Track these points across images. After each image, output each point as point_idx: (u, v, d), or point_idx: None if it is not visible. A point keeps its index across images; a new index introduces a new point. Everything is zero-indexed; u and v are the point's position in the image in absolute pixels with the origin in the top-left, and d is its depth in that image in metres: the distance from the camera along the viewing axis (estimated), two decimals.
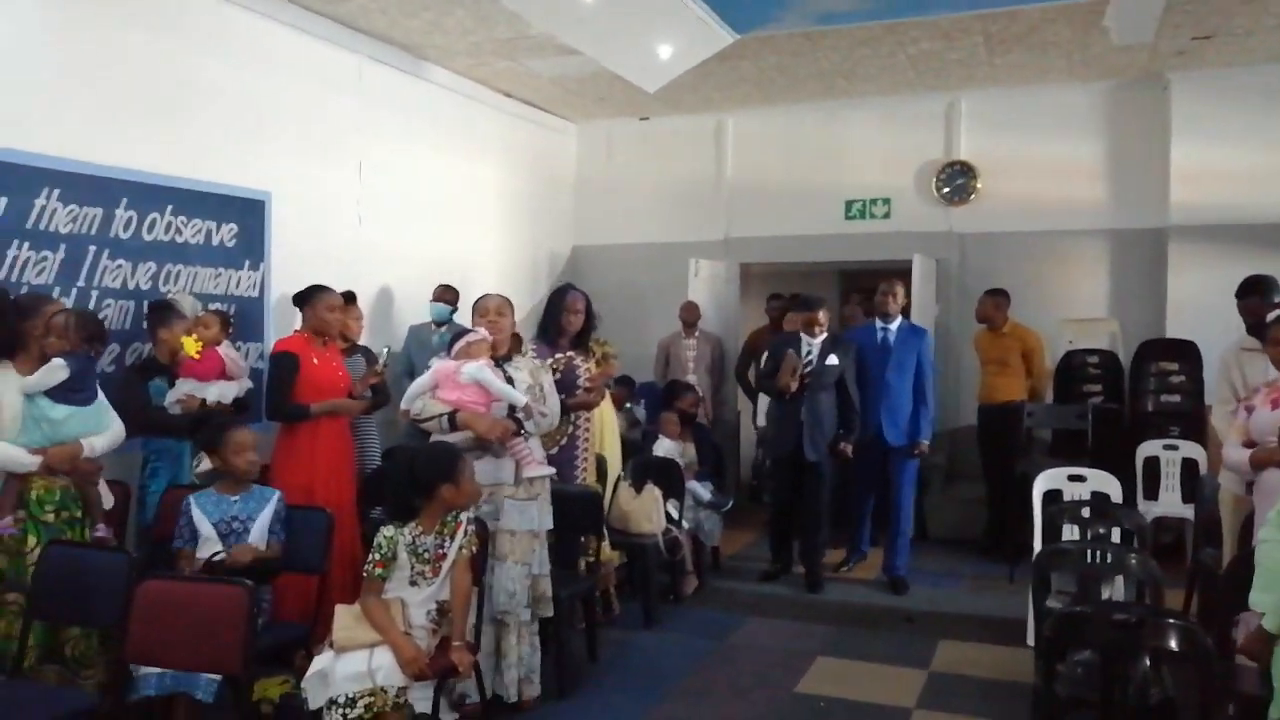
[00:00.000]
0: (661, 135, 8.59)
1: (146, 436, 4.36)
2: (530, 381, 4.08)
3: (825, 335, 5.88)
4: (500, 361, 4.06)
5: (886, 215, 7.92)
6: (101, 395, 3.63)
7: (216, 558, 3.60)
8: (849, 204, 8.02)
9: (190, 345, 4.40)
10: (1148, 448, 6.28)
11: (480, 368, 3.91)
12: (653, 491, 5.46)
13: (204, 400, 4.38)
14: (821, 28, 5.92)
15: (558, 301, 4.90)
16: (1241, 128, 6.81)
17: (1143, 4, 5.44)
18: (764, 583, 6.10)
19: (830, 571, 6.16)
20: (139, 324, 4.75)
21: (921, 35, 6.27)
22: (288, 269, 5.61)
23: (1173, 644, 2.67)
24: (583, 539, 4.79)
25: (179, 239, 5.03)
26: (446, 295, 6.31)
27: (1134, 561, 3.62)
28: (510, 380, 3.99)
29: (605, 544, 5.02)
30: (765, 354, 6.22)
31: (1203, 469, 5.94)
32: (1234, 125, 6.83)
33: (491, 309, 4.12)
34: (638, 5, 5.23)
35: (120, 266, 4.72)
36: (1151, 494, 6.21)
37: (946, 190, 7.72)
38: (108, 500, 3.68)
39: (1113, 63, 6.81)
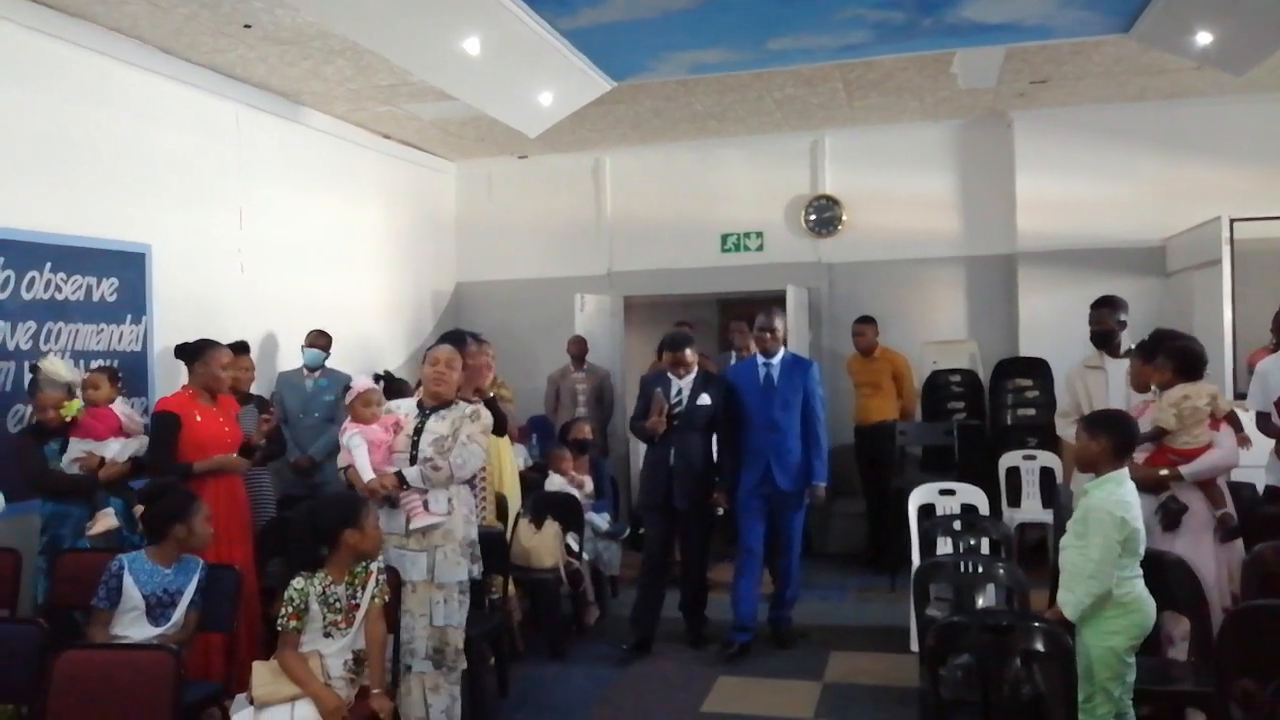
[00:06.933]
0: (541, 173, 8.76)
1: (45, 499, 4.26)
2: (444, 433, 3.98)
3: (695, 375, 5.39)
4: (431, 410, 4.05)
5: (760, 248, 8.29)
6: None
7: None
8: (724, 237, 8.36)
9: (71, 407, 4.31)
10: (1009, 459, 6.75)
11: (352, 436, 4.02)
12: (552, 526, 5.57)
13: (103, 458, 4.31)
14: (694, 76, 6.22)
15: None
16: (1077, 161, 7.41)
17: (985, 53, 5.95)
18: (624, 665, 5.21)
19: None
20: (20, 386, 4.63)
21: (786, 82, 6.67)
22: (171, 321, 5.55)
23: (1039, 645, 3.00)
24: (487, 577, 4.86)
25: (59, 296, 4.94)
26: (320, 340, 6.29)
27: (1002, 571, 3.98)
28: (419, 430, 3.99)
29: (509, 580, 5.11)
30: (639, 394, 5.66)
31: (1059, 477, 6.45)
32: (1071, 158, 7.43)
33: (442, 360, 4.07)
34: (518, 56, 5.38)
35: None
36: (1014, 502, 6.67)
37: (814, 222, 8.13)
38: None
39: (961, 104, 7.36)
